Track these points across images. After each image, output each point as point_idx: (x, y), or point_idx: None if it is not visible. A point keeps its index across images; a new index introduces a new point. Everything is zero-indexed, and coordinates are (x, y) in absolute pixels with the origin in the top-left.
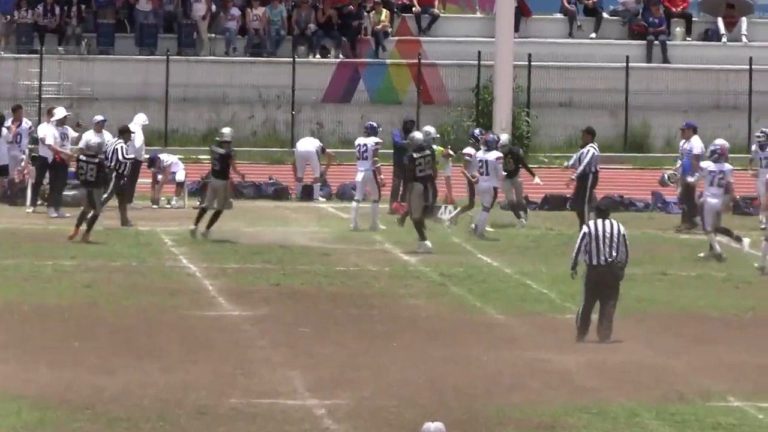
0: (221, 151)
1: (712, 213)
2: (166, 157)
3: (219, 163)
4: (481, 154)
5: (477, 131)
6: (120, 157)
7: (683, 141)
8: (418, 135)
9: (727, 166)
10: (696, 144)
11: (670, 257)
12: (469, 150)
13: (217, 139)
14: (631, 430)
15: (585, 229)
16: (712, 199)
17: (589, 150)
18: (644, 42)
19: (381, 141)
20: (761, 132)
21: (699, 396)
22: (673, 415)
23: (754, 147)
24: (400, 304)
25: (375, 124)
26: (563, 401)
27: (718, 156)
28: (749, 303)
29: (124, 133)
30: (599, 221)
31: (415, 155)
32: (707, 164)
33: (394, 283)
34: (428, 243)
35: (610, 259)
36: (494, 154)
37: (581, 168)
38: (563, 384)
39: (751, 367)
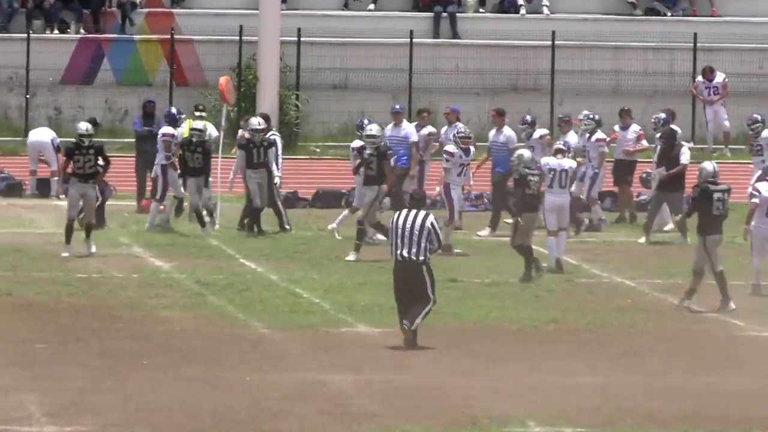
0: None
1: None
2: None
3: None
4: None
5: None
6: None
7: (445, 127)
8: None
9: None
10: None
11: (460, 262)
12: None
13: None
14: None
15: (392, 217)
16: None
17: (273, 138)
18: (431, 14)
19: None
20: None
21: (495, 421)
22: None
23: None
24: (150, 317)
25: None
26: (338, 429)
27: None
28: (551, 314)
29: None
30: (406, 212)
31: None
32: None
33: (144, 293)
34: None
35: (406, 255)
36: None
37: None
38: (338, 409)
39: (553, 387)
